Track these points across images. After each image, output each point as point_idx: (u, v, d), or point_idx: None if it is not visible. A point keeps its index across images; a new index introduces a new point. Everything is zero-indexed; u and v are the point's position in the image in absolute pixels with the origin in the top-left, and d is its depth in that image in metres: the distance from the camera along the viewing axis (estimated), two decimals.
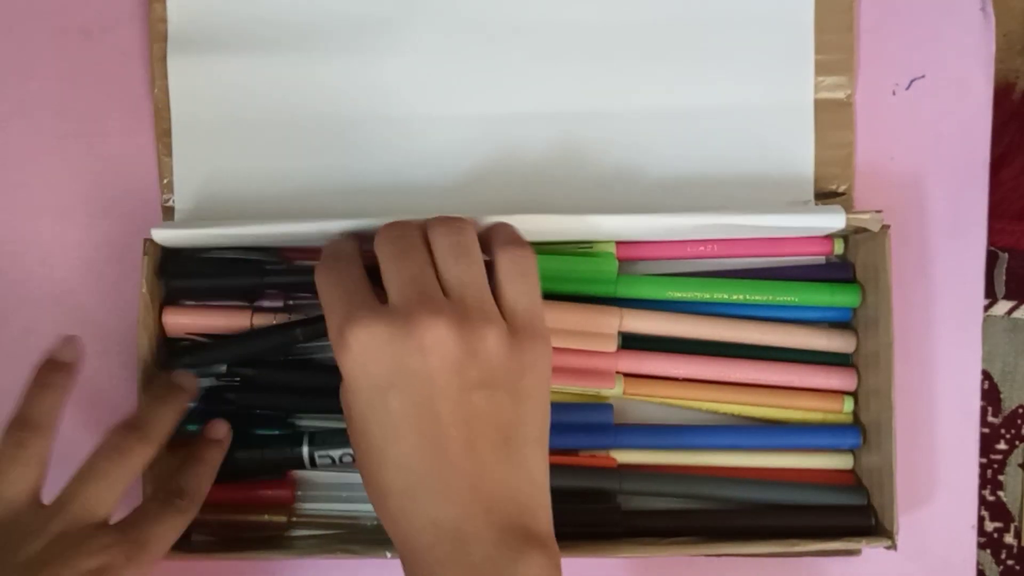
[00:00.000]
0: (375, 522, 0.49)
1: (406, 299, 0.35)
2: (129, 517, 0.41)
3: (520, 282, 0.37)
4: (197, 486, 0.43)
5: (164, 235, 0.45)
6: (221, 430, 0.45)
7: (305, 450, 0.46)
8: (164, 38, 0.49)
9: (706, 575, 0.50)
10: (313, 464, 0.46)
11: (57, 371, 0.41)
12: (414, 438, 0.34)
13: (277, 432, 0.47)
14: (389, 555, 0.45)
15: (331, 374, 0.47)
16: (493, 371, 0.35)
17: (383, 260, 0.37)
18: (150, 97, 0.50)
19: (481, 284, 0.37)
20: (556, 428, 0.47)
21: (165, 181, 0.49)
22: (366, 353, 0.35)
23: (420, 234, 0.38)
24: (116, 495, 0.39)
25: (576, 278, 0.47)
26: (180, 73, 0.49)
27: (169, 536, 0.40)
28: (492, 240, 0.39)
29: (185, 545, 0.45)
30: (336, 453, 0.46)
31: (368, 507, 0.47)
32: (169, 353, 0.47)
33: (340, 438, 0.46)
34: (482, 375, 0.35)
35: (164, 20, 0.49)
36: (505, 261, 0.38)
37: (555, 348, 0.46)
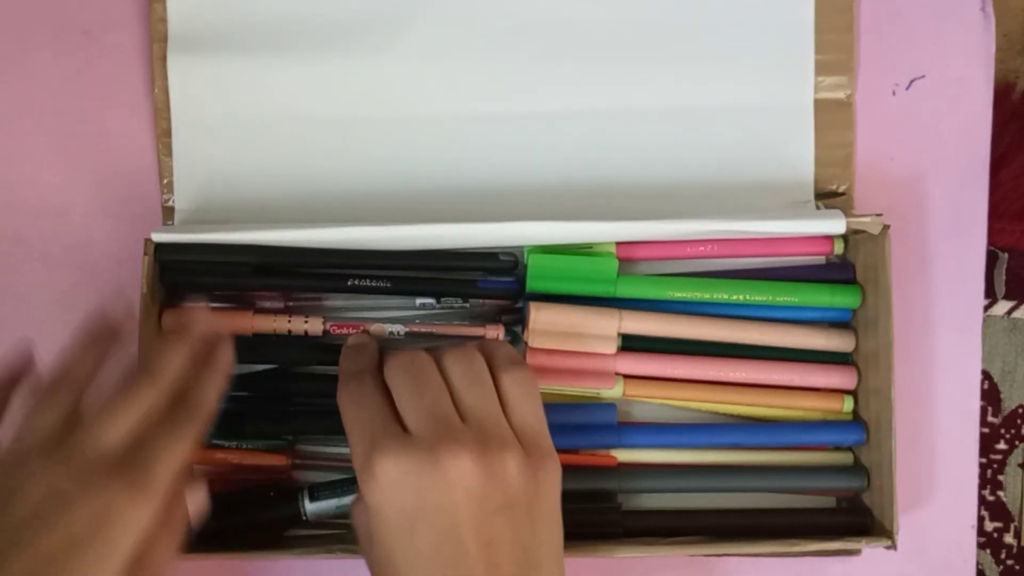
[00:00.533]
0: None
1: (428, 428, 0.37)
2: (131, 448, 0.37)
3: (528, 404, 0.39)
4: (202, 394, 0.40)
5: (164, 236, 0.45)
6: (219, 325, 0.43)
7: (306, 505, 0.46)
8: (164, 38, 0.49)
9: (706, 575, 0.50)
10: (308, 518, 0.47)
11: (101, 330, 0.40)
12: (439, 567, 0.36)
13: (272, 490, 0.47)
14: None
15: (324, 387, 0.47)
16: (513, 494, 0.37)
17: (398, 389, 0.39)
18: (150, 97, 0.50)
19: (497, 410, 0.38)
20: (557, 428, 0.47)
21: (165, 181, 0.49)
22: (393, 485, 0.36)
23: (431, 362, 0.39)
24: (120, 431, 0.36)
25: (576, 278, 0.47)
26: (180, 73, 0.49)
27: (175, 458, 0.37)
28: (493, 362, 0.40)
29: (187, 543, 0.45)
30: (333, 504, 0.46)
31: None
32: None
33: (335, 490, 0.47)
34: (504, 499, 0.36)
35: (164, 20, 0.49)
36: (511, 384, 0.39)
37: (555, 350, 0.47)
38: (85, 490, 0.34)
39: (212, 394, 0.40)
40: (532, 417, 0.39)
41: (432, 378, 0.39)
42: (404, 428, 0.37)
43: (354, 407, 0.39)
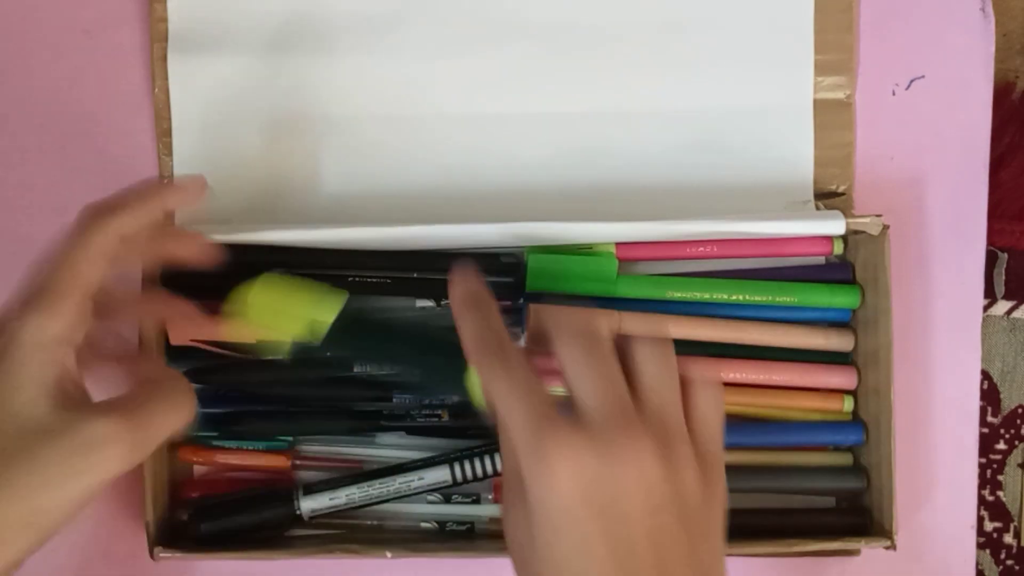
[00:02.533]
0: (375, 522, 0.49)
1: (606, 413, 0.32)
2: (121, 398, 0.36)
3: (713, 420, 0.35)
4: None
5: None
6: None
7: (303, 503, 0.46)
8: (164, 38, 0.49)
9: None
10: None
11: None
12: (610, 566, 0.31)
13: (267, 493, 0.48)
14: (389, 555, 0.45)
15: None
16: (688, 505, 0.32)
17: (569, 355, 0.33)
18: (150, 97, 0.50)
19: (679, 409, 0.34)
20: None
21: (165, 181, 0.49)
22: (572, 478, 0.31)
23: (610, 335, 0.35)
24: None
25: (576, 277, 0.47)
26: (180, 73, 0.49)
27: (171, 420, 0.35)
28: (686, 371, 0.35)
29: (186, 544, 0.46)
30: (326, 498, 0.46)
31: (368, 498, 0.47)
32: (170, 360, 0.47)
33: (328, 486, 0.47)
34: (680, 507, 0.32)
35: (164, 20, 0.49)
36: (703, 395, 0.35)
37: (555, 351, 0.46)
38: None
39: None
40: (715, 435, 0.34)
41: (612, 353, 0.34)
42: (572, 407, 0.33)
43: (509, 383, 0.33)
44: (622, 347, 0.34)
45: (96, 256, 0.35)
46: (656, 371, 0.34)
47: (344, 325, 0.42)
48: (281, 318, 0.42)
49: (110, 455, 0.33)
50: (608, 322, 0.34)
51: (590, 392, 0.32)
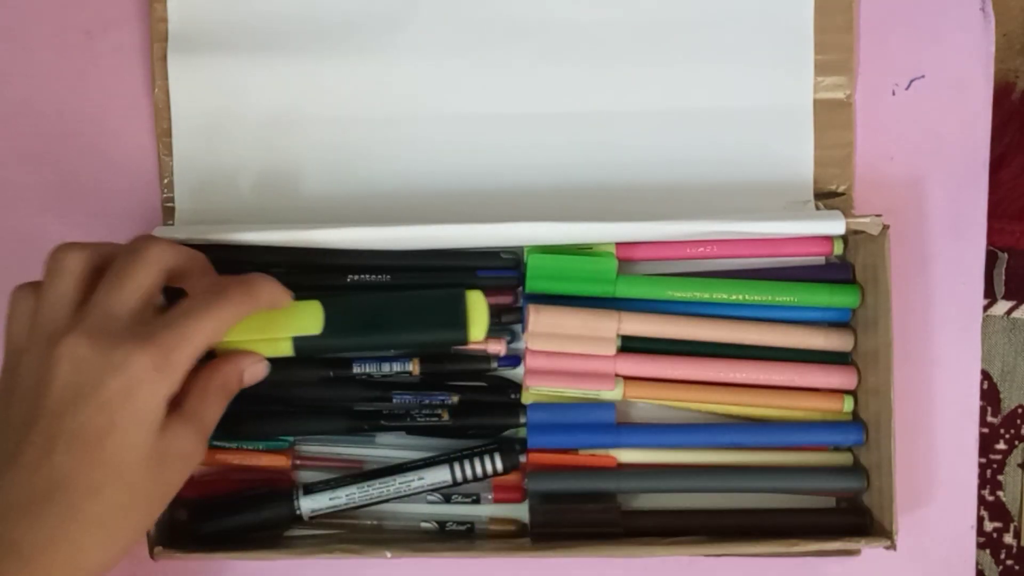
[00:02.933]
0: (375, 522, 0.49)
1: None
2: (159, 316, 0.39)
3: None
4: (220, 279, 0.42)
5: (165, 236, 0.45)
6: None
7: (303, 502, 0.46)
8: (164, 38, 0.49)
9: (706, 575, 0.50)
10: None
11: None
12: None
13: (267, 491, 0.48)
14: (389, 555, 0.45)
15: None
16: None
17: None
18: (150, 97, 0.50)
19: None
20: (557, 428, 0.47)
21: (165, 181, 0.49)
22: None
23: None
24: (136, 295, 0.39)
25: (576, 278, 0.47)
26: (180, 73, 0.49)
27: (210, 329, 0.39)
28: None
29: (186, 544, 0.46)
30: (326, 497, 0.46)
31: (367, 498, 0.47)
32: None
33: (329, 485, 0.47)
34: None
35: (164, 20, 0.49)
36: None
37: (555, 352, 0.47)
38: (108, 363, 0.37)
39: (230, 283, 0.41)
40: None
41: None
42: None
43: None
44: None
45: (215, 337, 0.39)
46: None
47: (333, 325, 0.43)
48: (257, 339, 0.43)
49: (194, 465, 0.41)
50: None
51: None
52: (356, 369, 0.47)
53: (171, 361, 0.37)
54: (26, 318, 0.39)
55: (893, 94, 0.50)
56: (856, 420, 0.48)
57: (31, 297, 0.39)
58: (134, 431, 0.37)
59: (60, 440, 0.36)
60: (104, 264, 0.40)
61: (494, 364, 0.48)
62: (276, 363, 0.48)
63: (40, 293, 0.39)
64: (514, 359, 0.48)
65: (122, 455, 0.37)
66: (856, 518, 0.48)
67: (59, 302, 0.39)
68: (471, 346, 0.47)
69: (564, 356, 0.47)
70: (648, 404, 0.49)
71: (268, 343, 0.43)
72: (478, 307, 0.44)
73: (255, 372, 0.43)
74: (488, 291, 0.47)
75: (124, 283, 0.38)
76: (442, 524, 0.49)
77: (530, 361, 0.47)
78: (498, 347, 0.47)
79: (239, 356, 0.42)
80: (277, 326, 0.43)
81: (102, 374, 0.36)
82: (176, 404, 0.39)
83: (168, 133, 0.49)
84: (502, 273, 0.48)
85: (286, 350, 0.43)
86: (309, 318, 0.44)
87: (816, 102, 0.50)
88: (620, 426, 0.48)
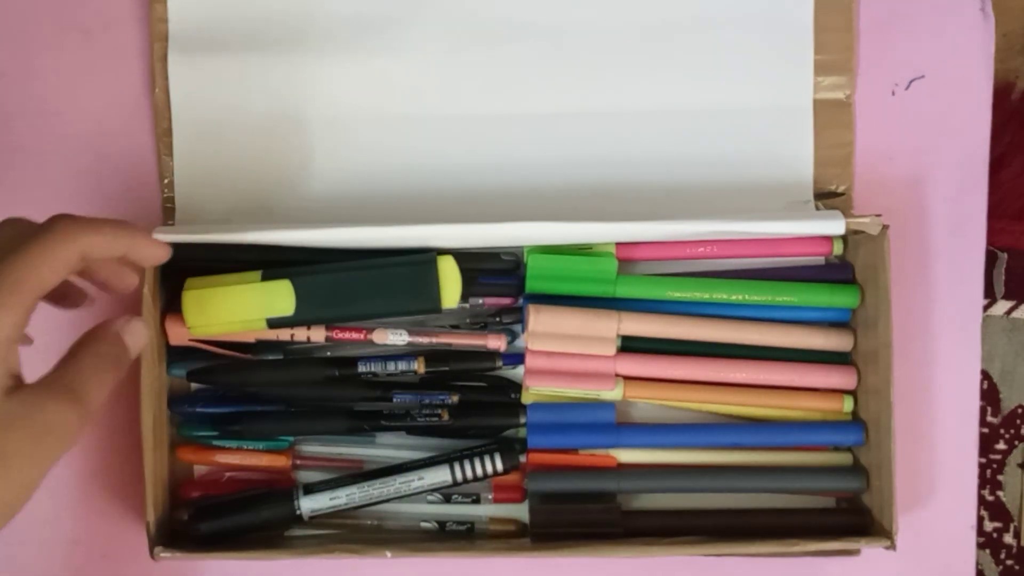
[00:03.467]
0: (375, 522, 0.49)
1: None
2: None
3: None
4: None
5: (165, 236, 0.45)
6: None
7: (303, 502, 0.46)
8: (164, 38, 0.49)
9: (706, 575, 0.50)
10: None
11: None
12: None
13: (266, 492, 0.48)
14: (389, 555, 0.45)
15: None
16: None
17: None
18: (150, 97, 0.50)
19: None
20: (557, 428, 0.47)
21: (166, 181, 0.49)
22: None
23: None
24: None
25: (576, 278, 0.47)
26: (180, 73, 0.49)
27: (39, 264, 0.35)
28: None
29: (186, 544, 0.46)
30: (326, 497, 0.46)
31: (367, 498, 0.47)
32: (170, 360, 0.47)
33: (329, 486, 0.47)
34: None
35: (164, 20, 0.49)
36: None
37: (555, 352, 0.47)
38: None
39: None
40: None
41: None
42: None
43: None
44: None
45: (58, 265, 0.36)
46: None
47: (305, 303, 0.44)
48: (226, 321, 0.44)
49: (64, 435, 0.35)
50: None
51: None
52: (361, 368, 0.47)
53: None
54: None
55: (893, 94, 0.50)
56: (856, 420, 0.48)
57: None
58: None
59: None
60: None
61: (499, 363, 0.48)
62: (277, 362, 0.48)
63: None
64: (518, 356, 0.48)
65: None
66: (856, 518, 0.48)
67: None
68: (472, 341, 0.47)
69: (564, 356, 0.47)
70: (648, 404, 0.49)
71: (241, 325, 0.45)
72: (450, 273, 0.45)
73: (134, 332, 0.38)
74: (489, 295, 0.47)
75: None
76: (442, 524, 0.49)
77: (530, 361, 0.47)
78: (498, 343, 0.47)
79: (109, 320, 0.38)
80: (250, 308, 0.44)
81: None
82: (44, 379, 0.36)
83: (168, 133, 0.49)
84: (503, 280, 0.48)
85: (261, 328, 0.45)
86: (281, 299, 0.45)
87: (816, 102, 0.50)
88: (620, 426, 0.48)
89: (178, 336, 0.46)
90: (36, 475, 0.34)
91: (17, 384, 0.35)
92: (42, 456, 0.34)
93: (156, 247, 0.40)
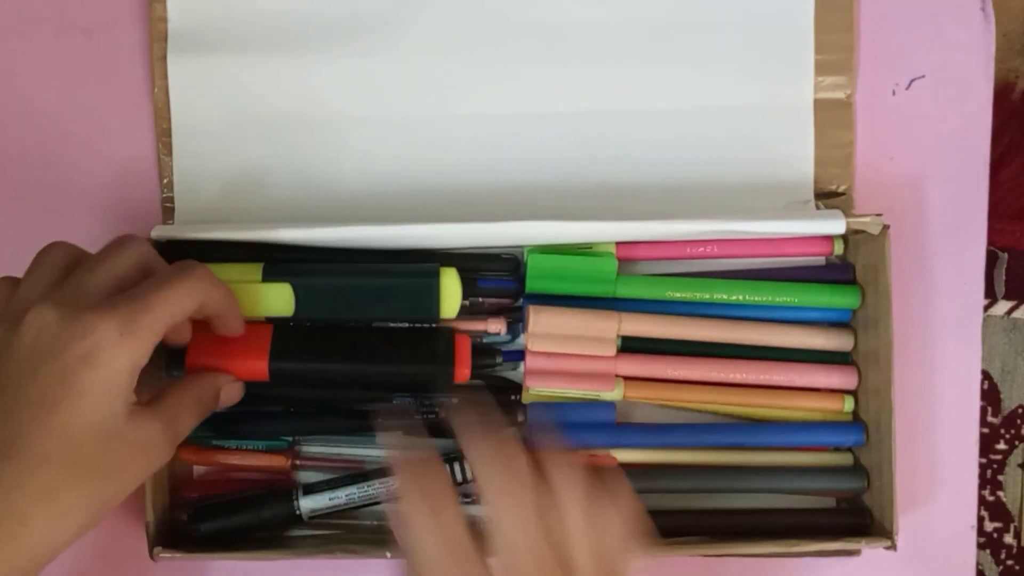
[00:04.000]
0: (375, 522, 0.49)
1: (522, 564, 0.34)
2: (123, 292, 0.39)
3: (621, 542, 0.36)
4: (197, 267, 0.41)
5: (164, 235, 0.45)
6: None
7: (302, 502, 0.46)
8: (164, 38, 0.49)
9: (706, 575, 0.50)
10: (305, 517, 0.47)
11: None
12: None
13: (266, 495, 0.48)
14: (389, 555, 0.45)
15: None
16: None
17: (491, 492, 0.35)
18: (150, 97, 0.50)
19: (591, 551, 0.35)
20: (558, 428, 0.47)
21: (165, 181, 0.49)
22: None
23: (530, 468, 0.36)
24: (111, 273, 0.39)
25: (576, 277, 0.47)
26: (180, 73, 0.49)
27: (175, 302, 0.38)
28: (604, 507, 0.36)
29: (186, 544, 0.46)
30: (326, 497, 0.46)
31: (367, 498, 0.47)
32: (169, 360, 0.47)
33: (328, 485, 0.47)
34: None
35: (164, 20, 0.49)
36: (611, 521, 0.36)
37: (555, 353, 0.47)
38: (72, 329, 0.36)
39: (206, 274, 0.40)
40: (619, 564, 0.36)
41: (528, 486, 0.35)
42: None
43: (429, 535, 0.35)
44: (540, 469, 0.36)
45: (187, 308, 0.39)
46: (576, 520, 0.35)
47: (304, 307, 0.45)
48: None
49: (157, 457, 0.39)
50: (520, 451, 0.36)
51: (510, 540, 0.35)
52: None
53: (135, 327, 0.36)
54: (3, 299, 0.39)
55: (893, 94, 0.50)
56: (856, 421, 0.48)
57: (11, 286, 0.39)
58: (93, 402, 0.36)
59: (16, 407, 0.35)
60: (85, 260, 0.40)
61: (499, 359, 0.48)
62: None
63: (20, 280, 0.39)
64: (518, 356, 0.48)
65: (77, 425, 0.36)
66: (856, 518, 0.48)
67: (36, 284, 0.38)
68: (472, 326, 0.47)
69: (564, 357, 0.47)
70: (648, 404, 0.49)
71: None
72: (451, 286, 0.45)
73: (231, 392, 0.44)
74: (489, 295, 0.47)
75: (97, 267, 0.39)
76: None
77: (530, 362, 0.47)
78: (499, 325, 0.47)
79: (217, 373, 0.43)
80: (250, 307, 0.45)
81: (65, 340, 0.36)
82: (150, 403, 0.39)
83: (168, 133, 0.49)
84: (502, 284, 0.48)
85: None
86: (280, 301, 0.45)
87: (816, 102, 0.50)
88: (620, 426, 0.48)
89: (178, 338, 0.46)
90: (130, 486, 0.38)
91: (133, 406, 0.38)
92: (139, 471, 0.38)
93: (240, 324, 0.43)
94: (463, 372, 0.45)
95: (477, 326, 0.47)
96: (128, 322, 0.36)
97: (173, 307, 0.38)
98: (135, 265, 0.40)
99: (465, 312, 0.48)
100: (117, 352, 0.36)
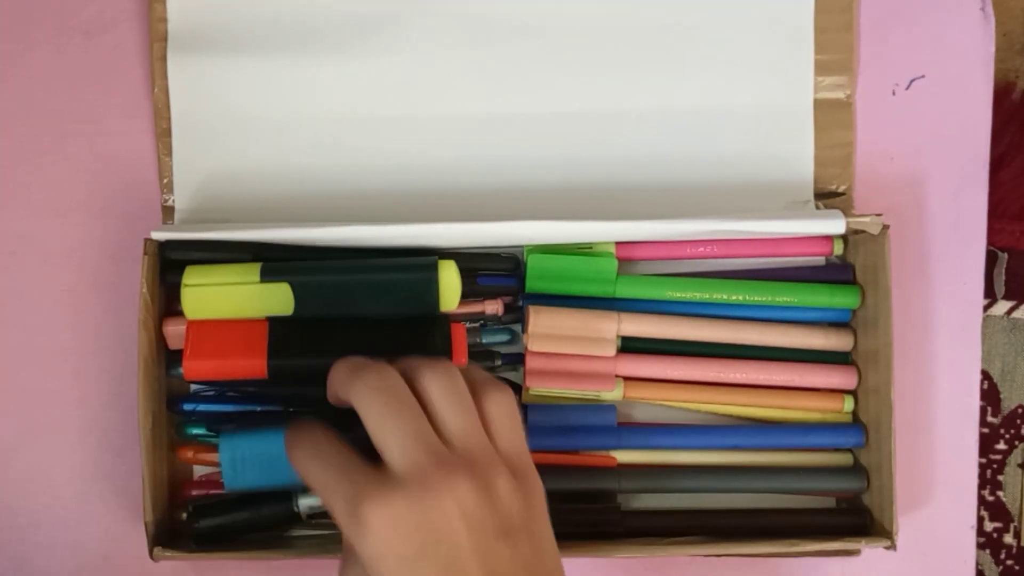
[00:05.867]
0: None
1: (414, 461, 0.34)
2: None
3: (511, 425, 0.37)
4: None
5: (165, 235, 0.45)
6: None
7: (302, 501, 0.46)
8: (164, 38, 0.49)
9: (706, 575, 0.50)
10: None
11: None
12: None
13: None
14: None
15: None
16: (511, 519, 0.35)
17: (369, 414, 0.35)
18: (150, 97, 0.50)
19: (482, 433, 0.36)
20: (557, 429, 0.47)
21: (165, 181, 0.49)
22: (390, 532, 0.33)
23: (402, 380, 0.36)
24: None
25: (576, 277, 0.47)
26: (180, 73, 0.49)
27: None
28: (473, 384, 0.37)
29: (186, 544, 0.46)
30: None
31: None
32: (169, 361, 0.47)
33: None
34: (502, 524, 0.35)
35: (164, 20, 0.49)
36: (494, 406, 0.37)
37: (555, 353, 0.47)
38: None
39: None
40: (517, 440, 0.37)
41: (408, 400, 0.36)
42: (380, 459, 0.35)
43: (314, 461, 0.36)
44: (410, 378, 0.36)
45: None
46: (448, 403, 0.36)
47: (304, 306, 0.45)
48: (225, 311, 0.45)
49: None
50: (403, 366, 0.37)
51: (395, 447, 0.34)
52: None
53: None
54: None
55: (893, 94, 0.50)
56: (856, 422, 0.48)
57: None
58: None
59: None
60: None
61: (498, 362, 0.48)
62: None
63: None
64: (518, 356, 0.48)
65: None
66: (856, 518, 0.48)
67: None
68: (469, 309, 0.47)
69: (564, 357, 0.47)
70: (648, 405, 0.49)
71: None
72: (450, 279, 0.45)
73: None
74: (488, 295, 0.47)
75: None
76: None
77: (530, 362, 0.47)
78: (495, 307, 0.47)
79: None
80: (249, 307, 0.45)
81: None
82: None
83: (168, 133, 0.49)
84: (503, 282, 0.48)
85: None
86: (280, 301, 0.45)
87: (816, 102, 0.50)
88: (620, 427, 0.48)
89: (177, 340, 0.46)
90: None
91: None
92: None
93: None
94: (461, 361, 0.45)
95: (474, 308, 0.47)
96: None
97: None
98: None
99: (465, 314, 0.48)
100: None
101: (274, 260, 0.46)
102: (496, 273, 0.48)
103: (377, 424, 0.35)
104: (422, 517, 0.33)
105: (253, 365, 0.45)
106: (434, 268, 0.45)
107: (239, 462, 0.44)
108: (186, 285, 0.45)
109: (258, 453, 0.44)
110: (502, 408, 0.37)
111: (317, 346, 0.45)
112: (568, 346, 0.46)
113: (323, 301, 0.45)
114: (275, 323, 0.45)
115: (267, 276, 0.45)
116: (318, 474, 0.36)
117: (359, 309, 0.45)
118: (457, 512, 0.34)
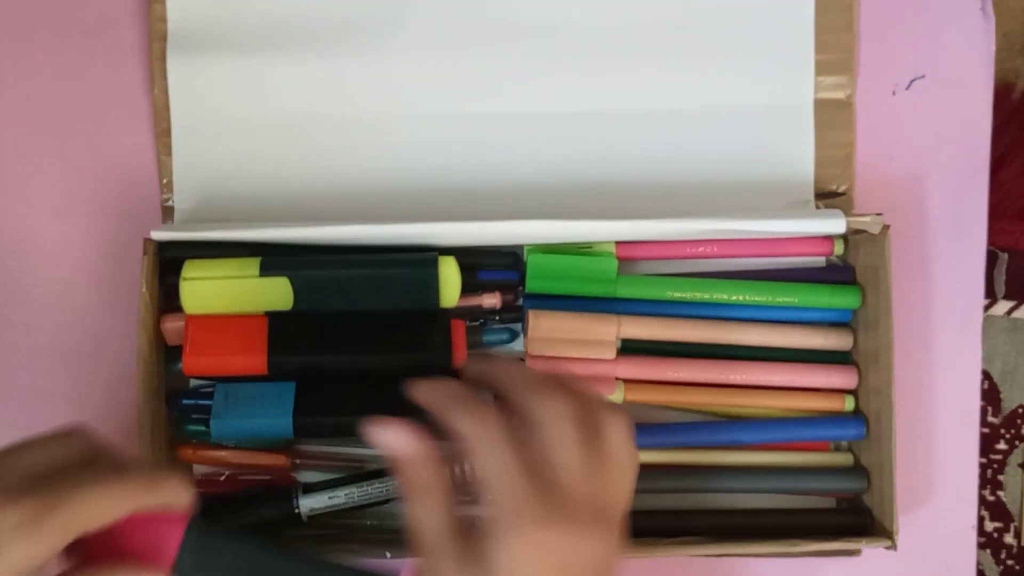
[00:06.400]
0: (375, 522, 0.49)
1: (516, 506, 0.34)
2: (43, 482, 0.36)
3: (627, 478, 0.36)
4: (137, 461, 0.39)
5: (164, 235, 0.45)
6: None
7: (302, 502, 0.46)
8: (164, 38, 0.49)
9: (706, 575, 0.50)
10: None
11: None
12: None
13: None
14: (389, 555, 0.45)
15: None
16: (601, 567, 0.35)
17: (481, 457, 0.35)
18: (150, 97, 0.50)
19: (587, 479, 0.35)
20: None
21: (165, 181, 0.49)
22: (537, 553, 0.34)
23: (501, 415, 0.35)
24: (27, 462, 0.35)
25: (576, 277, 0.47)
26: (180, 73, 0.49)
27: (95, 506, 0.34)
28: (599, 415, 0.36)
29: None
30: (325, 497, 0.46)
31: (367, 498, 0.47)
32: (168, 360, 0.47)
33: (327, 485, 0.46)
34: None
35: (164, 20, 0.49)
36: (619, 451, 0.36)
37: (554, 356, 0.46)
38: None
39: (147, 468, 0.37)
40: (623, 494, 0.36)
41: (510, 437, 0.35)
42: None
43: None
44: (523, 404, 0.35)
45: (114, 515, 0.35)
46: (565, 453, 0.34)
47: (303, 301, 0.45)
48: (224, 305, 0.45)
49: None
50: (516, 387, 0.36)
51: (507, 490, 0.34)
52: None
53: (36, 523, 0.33)
54: None
55: (893, 94, 0.50)
56: (857, 414, 0.48)
57: None
58: None
59: None
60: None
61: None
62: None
63: None
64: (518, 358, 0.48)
65: None
66: (856, 518, 0.48)
67: None
68: (467, 302, 0.47)
69: (564, 361, 0.47)
70: (648, 407, 0.49)
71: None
72: (450, 275, 0.45)
73: None
74: (488, 290, 0.47)
75: (29, 450, 0.36)
76: None
77: (530, 366, 0.47)
78: (493, 300, 0.47)
79: (119, 569, 0.37)
80: (248, 302, 0.45)
81: None
82: None
83: (168, 133, 0.49)
84: (503, 275, 0.48)
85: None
86: (279, 295, 0.45)
87: (817, 102, 0.50)
88: None
89: (176, 336, 0.46)
90: None
91: None
92: None
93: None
94: (461, 356, 0.45)
95: (473, 302, 0.47)
96: (31, 516, 0.33)
97: (92, 511, 0.34)
98: (77, 454, 0.36)
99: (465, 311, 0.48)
100: (9, 545, 0.33)
101: (272, 255, 0.46)
102: (496, 268, 0.48)
103: (489, 466, 0.35)
104: (567, 554, 0.34)
105: (253, 361, 0.45)
106: (434, 263, 0.45)
107: (231, 400, 0.44)
108: (185, 279, 0.45)
109: (251, 394, 0.44)
110: (626, 454, 0.36)
111: (317, 342, 0.45)
112: (568, 349, 0.46)
113: (323, 296, 0.45)
114: (275, 319, 0.45)
115: (266, 270, 0.45)
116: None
117: (359, 304, 0.45)
118: (577, 561, 0.34)
